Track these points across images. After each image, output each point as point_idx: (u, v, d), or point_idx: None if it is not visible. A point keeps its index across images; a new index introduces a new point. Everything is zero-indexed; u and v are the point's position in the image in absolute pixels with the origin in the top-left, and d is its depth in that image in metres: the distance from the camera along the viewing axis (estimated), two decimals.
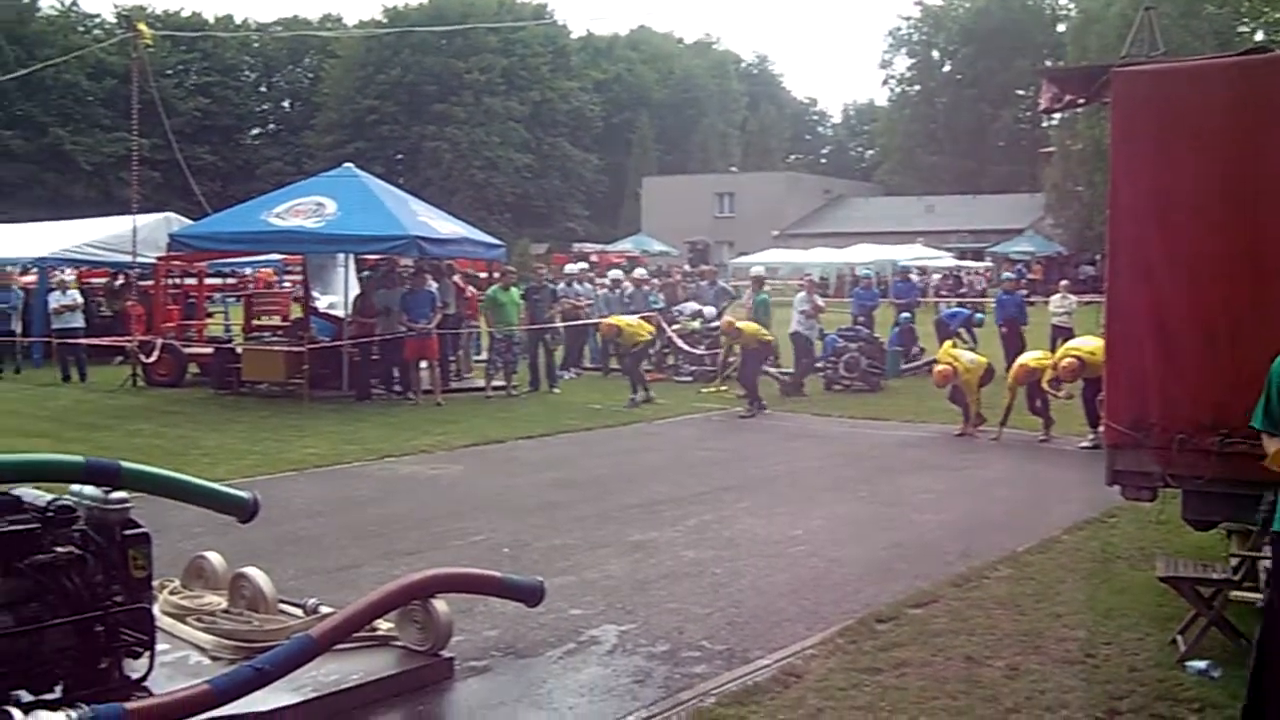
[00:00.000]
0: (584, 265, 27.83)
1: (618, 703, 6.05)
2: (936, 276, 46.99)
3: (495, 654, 6.74)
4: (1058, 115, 52.04)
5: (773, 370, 19.76)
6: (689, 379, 21.59)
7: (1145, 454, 7.18)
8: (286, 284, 29.00)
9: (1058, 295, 22.80)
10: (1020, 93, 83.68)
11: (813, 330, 20.79)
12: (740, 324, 18.62)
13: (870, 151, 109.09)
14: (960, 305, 27.56)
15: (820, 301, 22.10)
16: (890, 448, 14.34)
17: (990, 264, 54.21)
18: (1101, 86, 7.61)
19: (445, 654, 6.42)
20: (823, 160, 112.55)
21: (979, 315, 22.70)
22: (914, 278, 31.11)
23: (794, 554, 9.07)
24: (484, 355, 21.22)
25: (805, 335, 20.51)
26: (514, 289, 20.14)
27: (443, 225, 19.77)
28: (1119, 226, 7.37)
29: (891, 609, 7.51)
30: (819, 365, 20.86)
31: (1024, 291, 24.67)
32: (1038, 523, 10.05)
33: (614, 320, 19.95)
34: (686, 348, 22.05)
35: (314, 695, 5.84)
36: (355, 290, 20.56)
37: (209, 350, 21.59)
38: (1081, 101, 8.25)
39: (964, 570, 8.44)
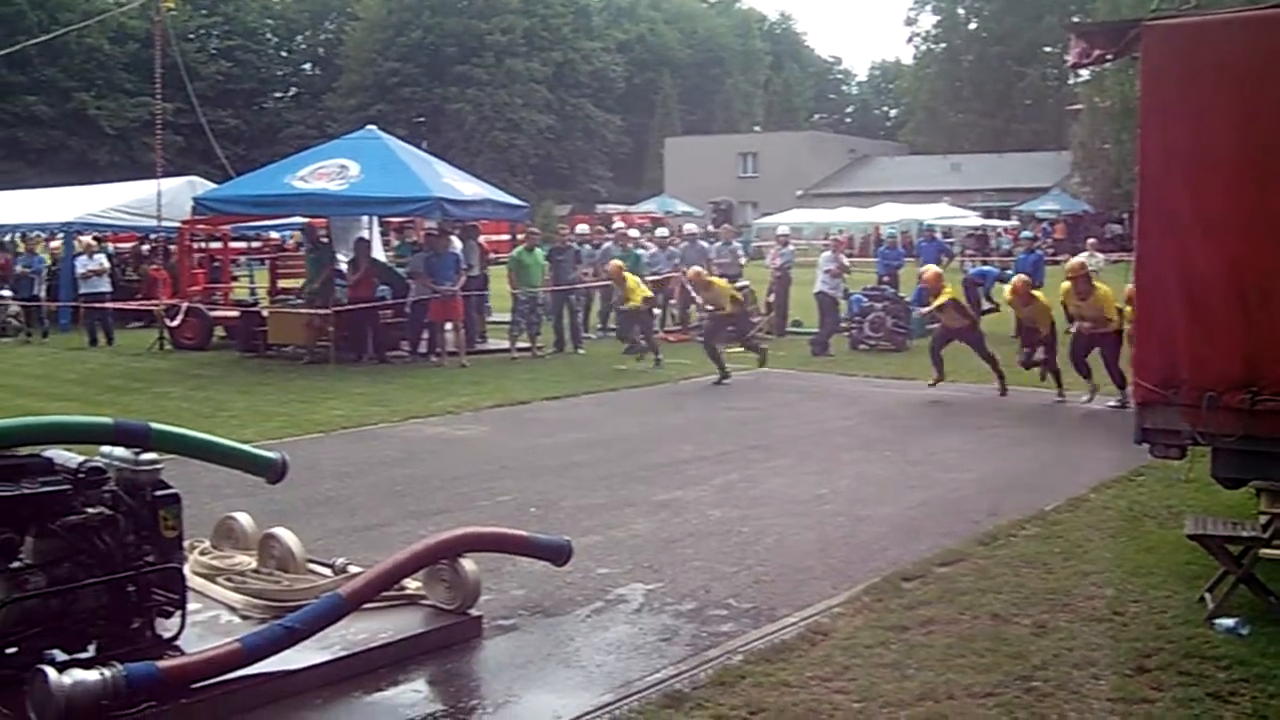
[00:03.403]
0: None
1: (645, 660, 6.07)
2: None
3: (523, 613, 6.78)
4: (1085, 72, 51.50)
5: (752, 335, 18.39)
6: None
7: (1174, 412, 7.12)
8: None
9: (1085, 254, 22.65)
10: (1047, 50, 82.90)
11: (838, 290, 20.74)
12: (711, 278, 17.56)
13: (895, 110, 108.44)
14: (986, 265, 27.38)
15: (845, 261, 22.03)
16: (916, 407, 14.30)
17: (1017, 223, 53.83)
18: (1131, 41, 7.51)
19: (473, 612, 6.46)
20: (847, 120, 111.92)
21: (1009, 273, 22.48)
22: (939, 237, 30.87)
23: (820, 513, 9.08)
24: (507, 317, 21.24)
25: (830, 295, 20.46)
26: (538, 250, 20.13)
27: (466, 186, 19.73)
28: (1148, 184, 7.29)
29: (918, 567, 7.51)
30: (844, 325, 20.82)
31: (1041, 250, 24.52)
32: (1065, 481, 10.03)
33: (619, 265, 19.28)
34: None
35: (343, 653, 5.89)
36: (381, 253, 20.57)
37: (235, 313, 21.68)
38: (1110, 57, 8.13)
39: (991, 529, 8.43)
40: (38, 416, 6.68)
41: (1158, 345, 7.24)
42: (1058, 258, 26.09)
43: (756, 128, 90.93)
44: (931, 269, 16.21)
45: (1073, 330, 13.96)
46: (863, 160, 78.93)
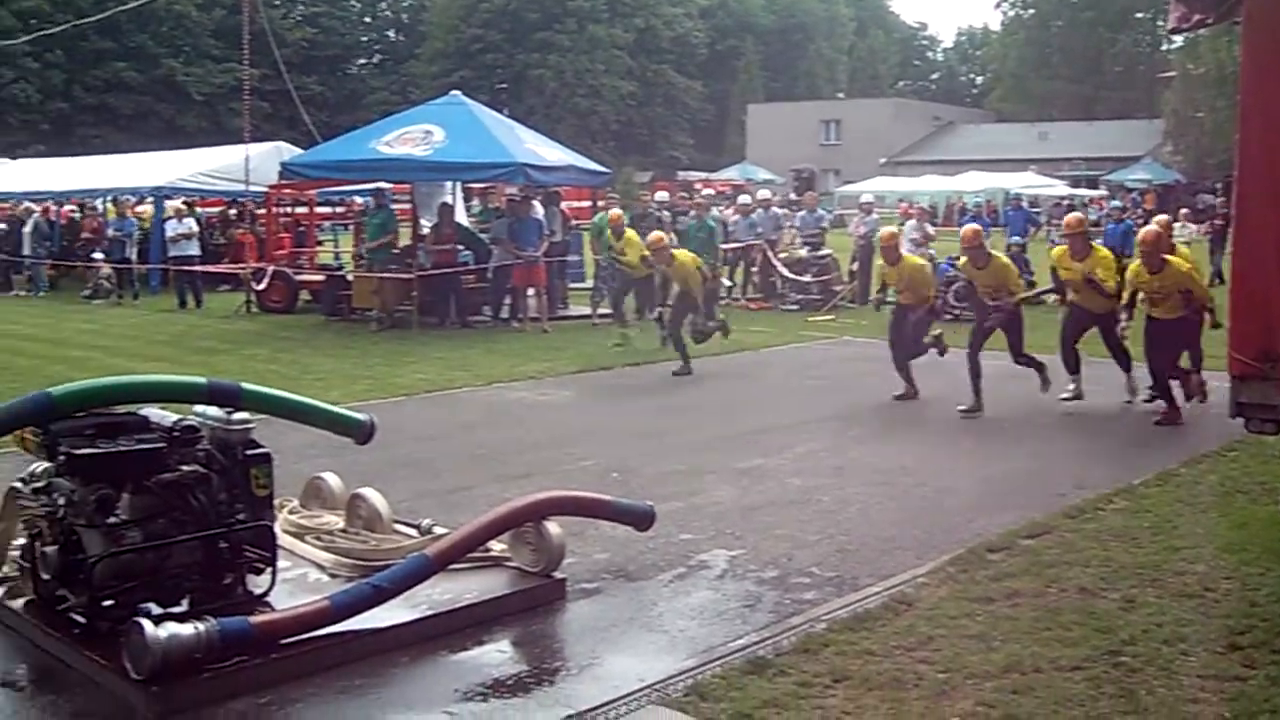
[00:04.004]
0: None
1: (728, 626, 6.08)
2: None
3: (606, 576, 6.81)
4: (1179, 39, 50.39)
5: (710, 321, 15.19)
6: (795, 307, 21.41)
7: (1271, 386, 6.96)
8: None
9: (1176, 224, 22.19)
10: (1139, 15, 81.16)
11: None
12: (677, 252, 14.77)
13: (981, 77, 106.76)
14: None
15: (930, 230, 21.77)
16: (1001, 377, 14.06)
17: (1105, 192, 52.86)
18: (1233, 5, 7.31)
19: (557, 575, 6.50)
20: (932, 86, 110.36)
21: (1096, 242, 22.10)
22: (1025, 206, 30.39)
23: (903, 483, 9.01)
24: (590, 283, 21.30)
25: None
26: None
27: (549, 152, 19.75)
28: (1248, 151, 7.11)
29: (1003, 539, 7.43)
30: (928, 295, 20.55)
31: (1131, 220, 24.04)
32: (1154, 455, 9.86)
33: (618, 215, 18.04)
34: (793, 276, 21.88)
35: (429, 613, 5.96)
36: (465, 218, 20.68)
37: (320, 277, 21.94)
38: (1210, 21, 7.93)
39: (1077, 501, 8.31)
40: (133, 375, 6.82)
41: (1255, 317, 7.07)
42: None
43: (840, 94, 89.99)
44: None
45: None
46: (947, 128, 77.92)
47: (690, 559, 7.13)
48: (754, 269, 23.02)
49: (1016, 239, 23.61)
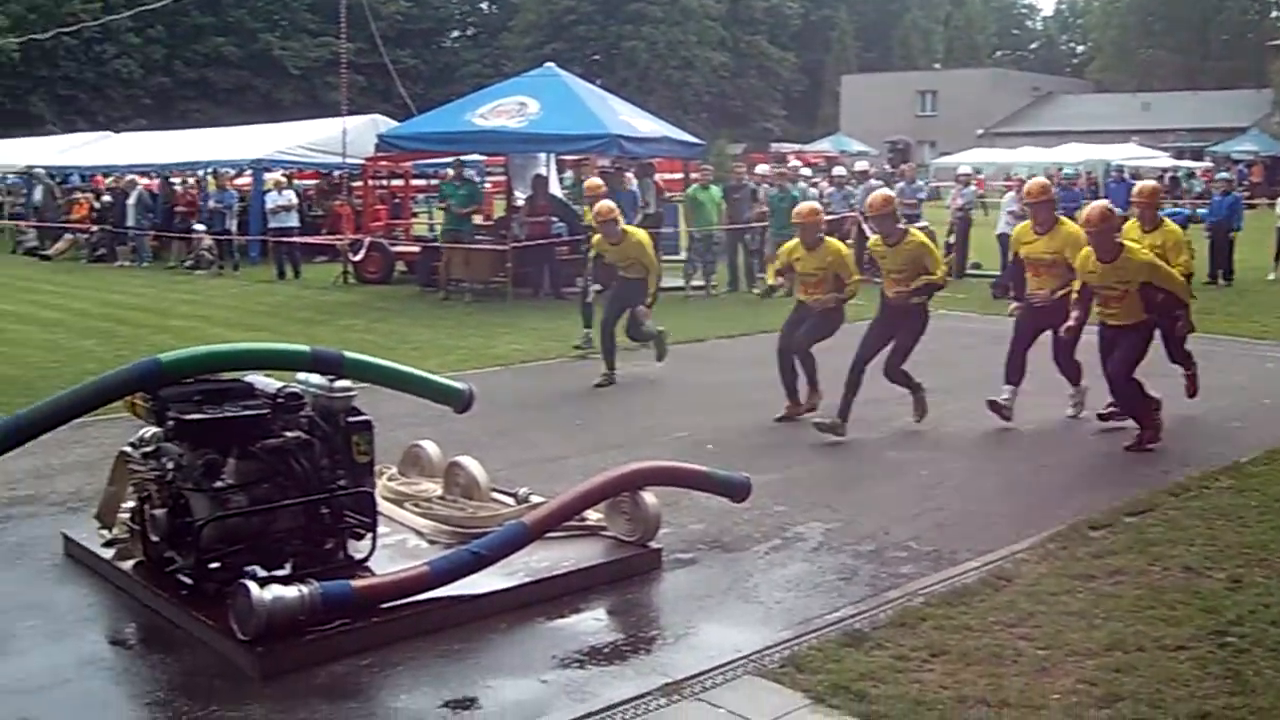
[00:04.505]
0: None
1: (824, 598, 6.05)
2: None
3: (701, 547, 6.81)
4: None
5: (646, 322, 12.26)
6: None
7: None
8: (487, 184, 29.45)
9: None
10: None
11: None
12: (631, 229, 12.21)
13: (1082, 47, 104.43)
14: (1177, 207, 26.32)
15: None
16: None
17: (1210, 164, 51.54)
18: None
19: (653, 545, 6.52)
20: (1030, 56, 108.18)
21: (1201, 212, 21.65)
22: (1128, 178, 29.75)
23: (1002, 457, 8.91)
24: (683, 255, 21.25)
25: None
26: (713, 188, 20.02)
27: (643, 124, 19.74)
28: None
29: (1106, 516, 7.29)
30: None
31: (1238, 193, 23.44)
32: (1263, 433, 9.60)
33: (595, 184, 15.63)
34: None
35: (526, 580, 6.00)
36: (558, 190, 20.74)
37: (415, 249, 22.16)
38: None
39: (1182, 479, 8.13)
40: (239, 343, 6.95)
41: None
42: (1254, 201, 24.90)
43: (936, 65, 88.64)
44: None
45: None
46: (1046, 98, 76.40)
47: (786, 531, 7.11)
48: (848, 241, 22.78)
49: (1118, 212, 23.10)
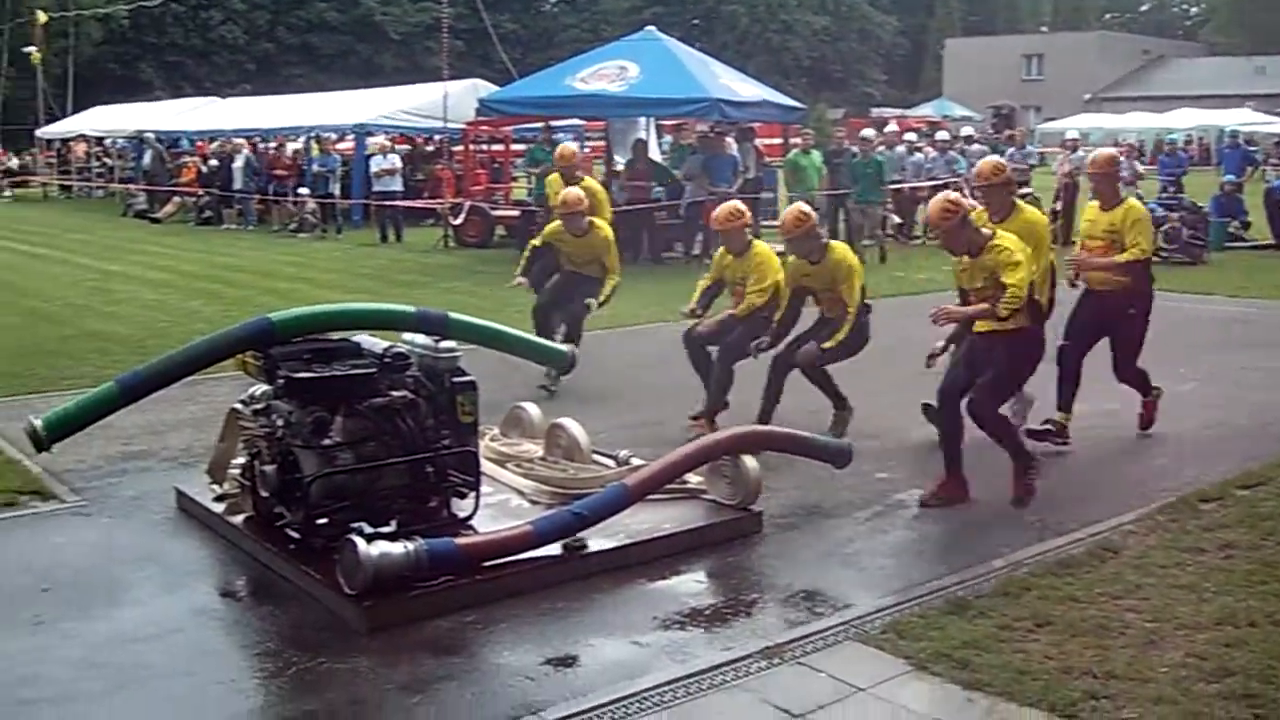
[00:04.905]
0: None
1: (927, 566, 6.01)
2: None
3: (801, 512, 6.79)
4: None
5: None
6: None
7: None
8: (586, 149, 29.49)
9: None
10: None
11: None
12: (599, 223, 10.43)
13: (1195, 9, 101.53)
14: None
15: (1140, 168, 20.92)
16: (1214, 323, 13.52)
17: None
18: None
19: (754, 509, 6.51)
20: (1141, 18, 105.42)
21: None
22: (1243, 144, 28.93)
23: (1110, 429, 8.71)
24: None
25: None
26: (814, 153, 19.83)
27: (744, 88, 19.59)
28: None
29: (1217, 489, 7.13)
30: None
31: None
32: None
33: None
34: None
35: (627, 541, 6.03)
36: (658, 155, 20.69)
37: (515, 213, 22.27)
38: None
39: None
40: (346, 304, 7.05)
41: None
42: None
43: (1043, 28, 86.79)
44: None
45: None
46: (1157, 62, 74.47)
47: (888, 498, 7.06)
48: None
49: (1231, 178, 22.53)
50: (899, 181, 21.65)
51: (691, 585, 5.81)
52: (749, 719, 4.49)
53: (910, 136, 24.54)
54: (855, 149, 20.08)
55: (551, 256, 10.50)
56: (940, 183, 21.51)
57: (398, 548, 5.26)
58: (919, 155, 22.43)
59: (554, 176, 12.11)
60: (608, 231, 10.39)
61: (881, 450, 7.98)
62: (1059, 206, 21.74)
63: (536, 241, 10.62)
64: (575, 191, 10.34)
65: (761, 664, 4.90)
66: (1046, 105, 66.01)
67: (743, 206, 9.09)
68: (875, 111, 56.13)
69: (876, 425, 8.68)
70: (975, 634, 5.09)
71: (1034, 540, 6.35)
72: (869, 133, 23.61)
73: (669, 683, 4.73)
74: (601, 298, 10.31)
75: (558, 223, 10.24)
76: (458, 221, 21.85)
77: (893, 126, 25.27)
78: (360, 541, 5.22)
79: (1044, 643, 5.04)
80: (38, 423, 5.61)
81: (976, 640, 5.02)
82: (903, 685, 4.71)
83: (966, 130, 24.82)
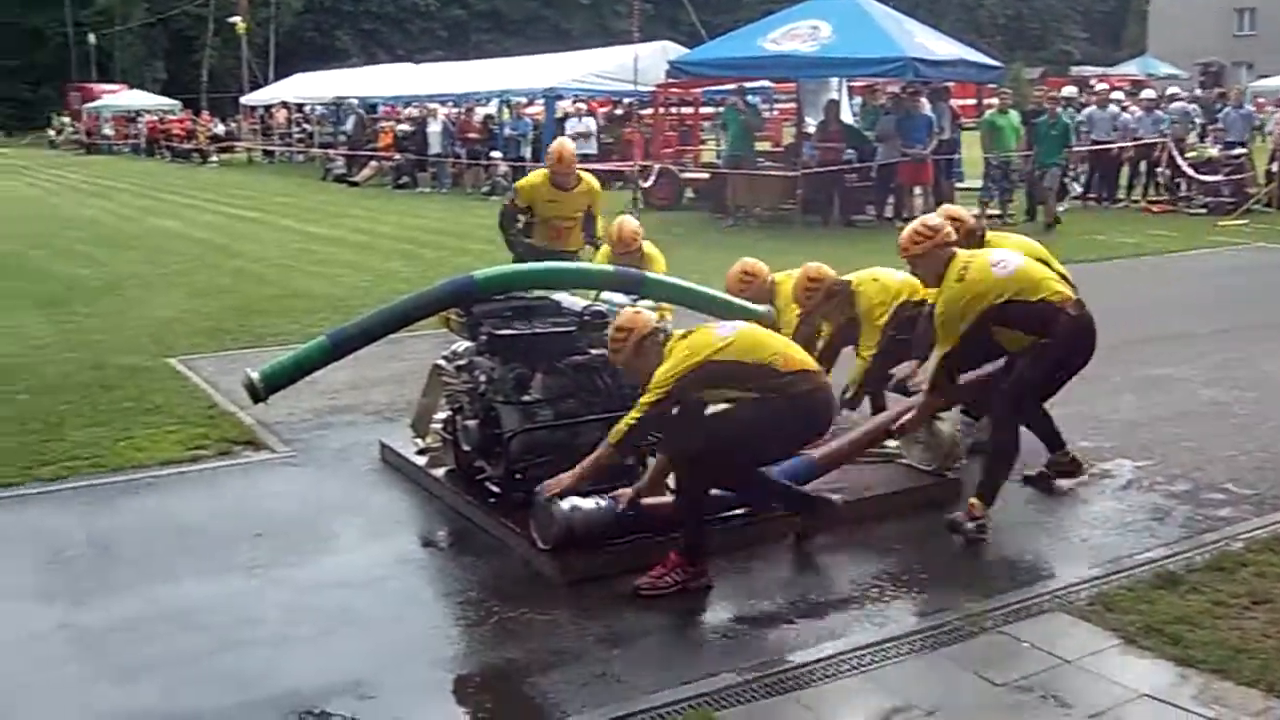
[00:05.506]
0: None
1: (1135, 538, 5.79)
2: None
3: None
4: None
5: None
6: (1203, 210, 19.90)
7: None
8: (775, 111, 29.26)
9: None
10: None
11: None
12: (650, 248, 8.51)
13: None
14: None
15: None
16: None
17: None
18: None
19: (951, 475, 6.39)
20: None
21: None
22: None
23: None
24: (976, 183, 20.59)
25: None
26: (1012, 113, 19.26)
27: (940, 46, 19.14)
28: None
29: None
30: None
31: None
32: None
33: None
34: (1201, 177, 20.37)
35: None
36: (849, 116, 20.40)
37: (704, 175, 22.25)
38: None
39: None
40: (547, 263, 7.14)
41: None
42: None
43: None
44: None
45: None
46: None
47: (1092, 467, 6.82)
48: (1158, 169, 21.58)
49: None
50: (1108, 142, 20.87)
51: (889, 550, 5.72)
52: (950, 686, 4.40)
53: (1117, 95, 23.62)
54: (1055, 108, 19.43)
55: None
56: (1145, 143, 20.74)
57: (590, 503, 5.30)
58: (1126, 115, 21.56)
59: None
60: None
61: (1085, 416, 7.71)
62: (1274, 168, 20.70)
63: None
64: (630, 225, 8.41)
65: (962, 631, 4.80)
66: (1260, 62, 62.73)
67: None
68: (1075, 70, 54.37)
69: (1078, 390, 8.37)
70: (1188, 609, 4.89)
71: (1250, 514, 6.08)
72: (1070, 91, 22.87)
73: (867, 646, 4.68)
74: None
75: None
76: (647, 184, 21.93)
77: (1104, 85, 24.31)
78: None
79: (1262, 620, 4.82)
80: (255, 375, 5.83)
81: (1189, 615, 4.83)
82: (1111, 659, 4.56)
83: (1172, 89, 23.71)
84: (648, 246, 8.36)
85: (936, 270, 5.92)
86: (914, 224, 6.25)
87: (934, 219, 6.30)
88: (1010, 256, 5.98)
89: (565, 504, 5.28)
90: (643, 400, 5.17)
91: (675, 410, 5.25)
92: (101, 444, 7.43)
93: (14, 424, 7.91)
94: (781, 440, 5.36)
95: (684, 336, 5.29)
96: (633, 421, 5.15)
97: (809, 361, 5.44)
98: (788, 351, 5.36)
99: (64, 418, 8.04)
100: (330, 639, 4.88)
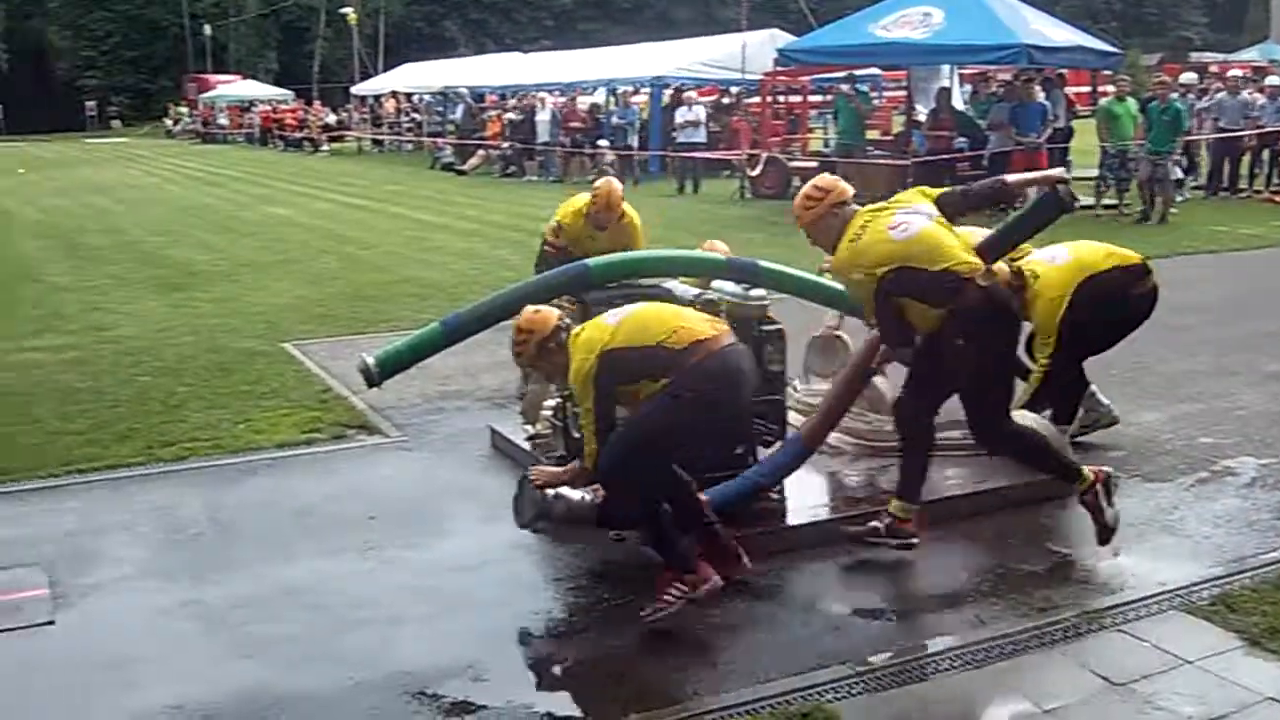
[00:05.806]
0: None
1: (1259, 538, 5.62)
2: None
3: (1120, 476, 6.44)
4: None
5: None
6: None
7: None
8: (884, 99, 28.96)
9: None
10: None
11: None
12: (632, 212, 8.39)
13: None
14: None
15: None
16: None
17: None
18: None
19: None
20: None
21: None
22: None
23: None
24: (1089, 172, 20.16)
25: None
26: (1129, 100, 18.81)
27: (1055, 32, 18.71)
28: None
29: None
30: None
31: None
32: None
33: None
34: None
35: (931, 498, 5.81)
36: (961, 104, 20.10)
37: (813, 164, 22.07)
38: None
39: None
40: (659, 250, 7.14)
41: None
42: None
43: None
44: None
45: None
46: None
47: (1214, 464, 6.65)
48: None
49: None
50: (1231, 130, 20.28)
51: (1002, 545, 5.63)
52: (1067, 684, 4.32)
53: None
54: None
55: None
56: (1269, 131, 20.14)
57: (575, 494, 5.13)
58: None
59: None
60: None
61: (1206, 412, 7.54)
62: None
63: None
64: (620, 189, 8.31)
65: (1080, 629, 4.71)
66: None
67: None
68: (1194, 56, 52.97)
69: (1200, 385, 8.22)
70: None
71: None
72: (1189, 77, 22.28)
73: (980, 641, 4.62)
74: None
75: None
76: (754, 173, 21.84)
77: (1235, 72, 23.56)
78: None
79: None
80: (370, 360, 5.91)
81: None
82: (1235, 660, 4.44)
83: (1271, 80, 22.93)
84: (630, 212, 8.19)
85: (833, 238, 5.57)
86: (804, 189, 5.83)
87: (825, 178, 5.92)
88: (914, 220, 5.55)
89: (550, 491, 5.11)
90: (583, 425, 4.85)
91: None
92: (220, 426, 7.62)
93: (136, 405, 8.14)
94: (703, 426, 4.91)
95: (579, 335, 4.96)
96: (593, 446, 4.79)
97: (705, 329, 4.89)
98: (680, 325, 4.87)
99: (184, 400, 8.26)
100: (443, 621, 4.95)
